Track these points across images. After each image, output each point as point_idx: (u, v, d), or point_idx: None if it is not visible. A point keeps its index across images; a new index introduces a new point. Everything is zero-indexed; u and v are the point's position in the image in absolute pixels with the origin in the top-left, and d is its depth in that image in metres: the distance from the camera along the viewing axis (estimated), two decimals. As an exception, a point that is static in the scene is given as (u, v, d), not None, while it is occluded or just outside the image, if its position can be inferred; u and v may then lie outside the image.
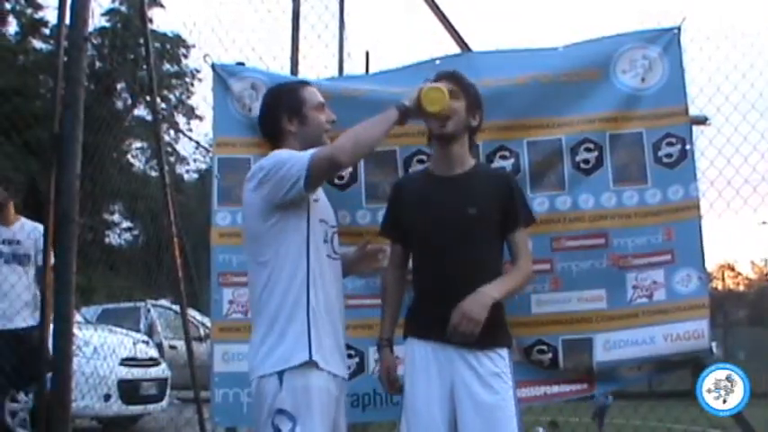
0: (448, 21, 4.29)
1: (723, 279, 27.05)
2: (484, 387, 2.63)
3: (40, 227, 4.46)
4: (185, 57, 26.75)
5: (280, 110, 2.77)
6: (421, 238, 2.81)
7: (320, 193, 2.81)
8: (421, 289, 2.83)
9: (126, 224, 23.60)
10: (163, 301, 13.67)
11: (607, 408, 9.54)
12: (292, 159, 2.59)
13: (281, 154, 2.67)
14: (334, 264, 2.77)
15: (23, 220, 4.87)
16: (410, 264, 2.94)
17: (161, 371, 8.42)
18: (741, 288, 31.81)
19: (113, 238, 23.16)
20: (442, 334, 2.63)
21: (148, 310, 12.79)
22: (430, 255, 2.77)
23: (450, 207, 2.71)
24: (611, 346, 3.58)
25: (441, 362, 2.67)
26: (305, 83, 2.97)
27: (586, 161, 3.68)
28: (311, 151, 2.60)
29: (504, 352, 2.73)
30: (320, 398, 2.55)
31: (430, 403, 2.65)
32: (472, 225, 2.68)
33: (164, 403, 8.30)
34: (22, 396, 6.71)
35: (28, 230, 4.76)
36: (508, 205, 2.76)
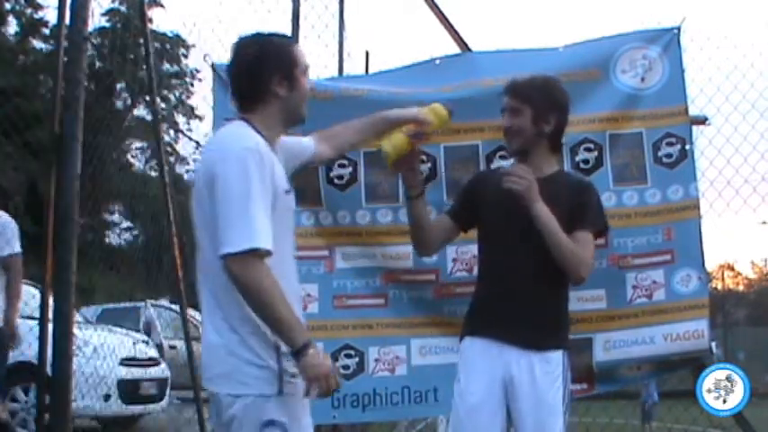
0: (448, 21, 4.28)
1: (723, 279, 27.04)
2: (535, 388, 2.73)
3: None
4: (185, 57, 26.76)
5: (270, 66, 2.25)
6: (491, 231, 2.90)
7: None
8: (484, 286, 2.92)
9: (126, 224, 23.62)
10: (162, 301, 13.69)
11: (655, 405, 9.26)
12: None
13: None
14: None
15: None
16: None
17: (161, 371, 8.42)
18: (741, 288, 31.81)
19: (113, 238, 23.17)
20: (500, 332, 2.76)
21: (147, 310, 12.80)
22: (497, 251, 2.86)
23: (523, 206, 2.75)
24: (611, 346, 3.57)
25: (493, 356, 2.78)
26: (293, 40, 2.48)
27: (586, 161, 3.67)
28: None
29: (559, 353, 2.81)
30: None
31: (485, 388, 2.76)
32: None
33: (163, 403, 8.31)
34: (21, 396, 6.73)
35: None
36: (576, 209, 2.82)
